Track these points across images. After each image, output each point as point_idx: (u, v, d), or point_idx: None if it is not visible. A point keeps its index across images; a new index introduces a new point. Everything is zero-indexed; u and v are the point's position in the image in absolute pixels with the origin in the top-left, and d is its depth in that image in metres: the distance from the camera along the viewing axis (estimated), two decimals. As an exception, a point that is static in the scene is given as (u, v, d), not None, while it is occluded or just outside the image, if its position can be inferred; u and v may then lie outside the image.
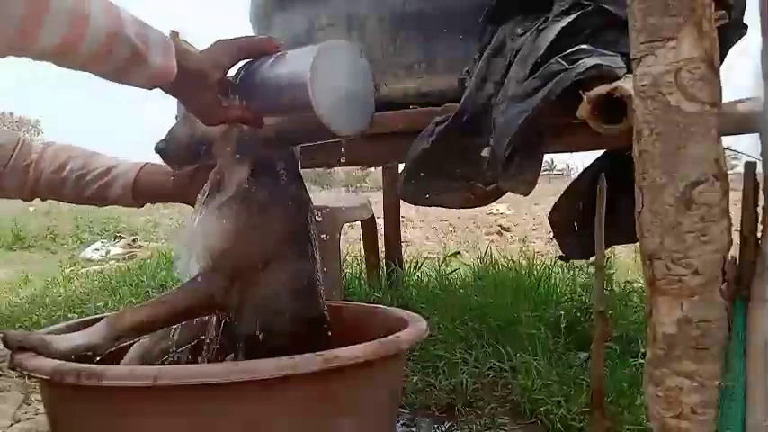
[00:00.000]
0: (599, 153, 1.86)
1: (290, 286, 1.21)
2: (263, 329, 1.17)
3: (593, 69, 1.18)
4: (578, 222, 1.79)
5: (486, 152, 1.33)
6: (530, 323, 2.06)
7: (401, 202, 3.06)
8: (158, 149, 1.22)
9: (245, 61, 1.07)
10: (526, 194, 1.43)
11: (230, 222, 1.17)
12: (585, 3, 1.31)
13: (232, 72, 1.06)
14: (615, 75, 1.17)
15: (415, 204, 1.80)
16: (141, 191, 1.26)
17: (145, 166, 1.27)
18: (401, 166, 1.57)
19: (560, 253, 2.06)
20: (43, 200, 1.31)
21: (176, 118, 1.28)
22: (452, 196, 1.63)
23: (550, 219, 1.97)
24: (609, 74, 1.17)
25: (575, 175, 2.21)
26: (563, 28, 1.29)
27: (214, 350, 1.18)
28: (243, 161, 1.21)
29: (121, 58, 0.88)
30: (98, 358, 1.03)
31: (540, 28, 1.35)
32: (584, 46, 1.25)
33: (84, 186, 1.25)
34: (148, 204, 1.34)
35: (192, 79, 0.98)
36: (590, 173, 1.87)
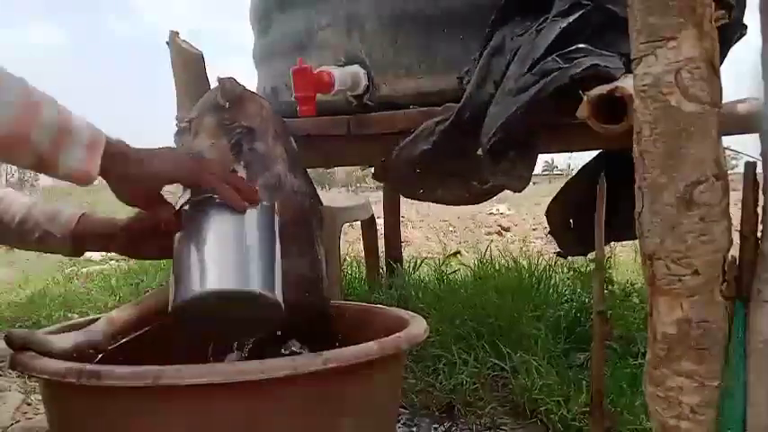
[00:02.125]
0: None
1: (292, 279, 1.21)
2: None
3: (591, 69, 1.18)
4: (573, 219, 1.80)
5: (481, 151, 1.34)
6: (530, 323, 2.05)
7: (401, 201, 3.05)
8: None
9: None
10: (519, 190, 1.43)
11: None
12: (585, 2, 1.31)
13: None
14: (612, 76, 1.17)
15: (408, 197, 1.78)
16: (80, 239, 1.20)
17: (83, 215, 1.20)
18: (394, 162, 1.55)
19: (558, 250, 2.07)
20: None
21: (176, 124, 1.30)
22: (448, 193, 1.63)
23: (547, 215, 1.98)
24: (606, 74, 1.17)
25: (574, 175, 2.22)
26: (563, 28, 1.29)
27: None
28: (239, 160, 1.24)
29: (23, 163, 0.88)
30: (99, 357, 1.03)
31: (539, 28, 1.35)
32: (582, 45, 1.25)
33: (26, 234, 1.20)
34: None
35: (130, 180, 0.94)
36: (586, 171, 1.88)
